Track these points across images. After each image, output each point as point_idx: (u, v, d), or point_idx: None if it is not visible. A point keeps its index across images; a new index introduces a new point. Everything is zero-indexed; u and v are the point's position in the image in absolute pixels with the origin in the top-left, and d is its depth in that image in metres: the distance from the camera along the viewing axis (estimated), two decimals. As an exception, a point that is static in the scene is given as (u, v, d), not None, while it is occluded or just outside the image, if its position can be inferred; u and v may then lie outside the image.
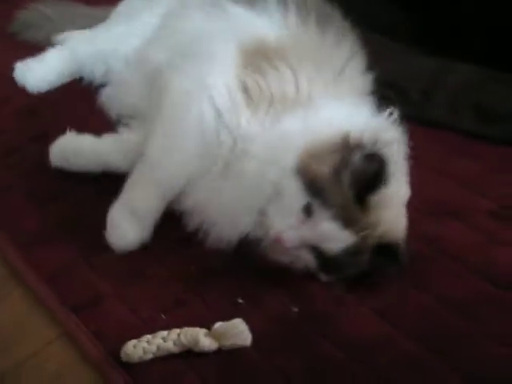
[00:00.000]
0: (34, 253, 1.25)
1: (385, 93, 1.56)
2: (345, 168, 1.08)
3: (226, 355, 1.06)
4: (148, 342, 1.06)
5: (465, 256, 1.22)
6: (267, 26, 1.30)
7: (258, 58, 1.23)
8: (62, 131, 1.41)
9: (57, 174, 1.40)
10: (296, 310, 1.12)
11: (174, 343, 1.05)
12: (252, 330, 1.07)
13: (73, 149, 1.37)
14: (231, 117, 1.18)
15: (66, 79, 1.67)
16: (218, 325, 1.07)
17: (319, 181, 1.09)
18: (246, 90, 1.20)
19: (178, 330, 1.07)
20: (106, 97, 1.53)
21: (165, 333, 1.06)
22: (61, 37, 1.72)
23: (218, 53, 1.25)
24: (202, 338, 1.05)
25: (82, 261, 1.23)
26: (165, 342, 1.05)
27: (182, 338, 1.05)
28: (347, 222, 1.08)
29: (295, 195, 1.10)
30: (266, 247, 1.15)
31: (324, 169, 1.09)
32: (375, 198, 1.08)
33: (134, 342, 1.06)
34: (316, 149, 1.11)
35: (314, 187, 1.09)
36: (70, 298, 1.16)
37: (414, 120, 1.50)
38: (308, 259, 1.13)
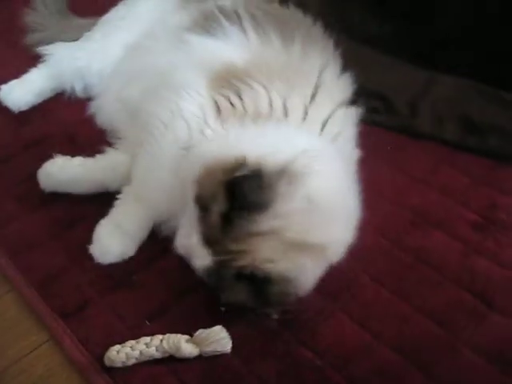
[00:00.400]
0: (25, 258, 1.28)
1: (372, 104, 1.60)
2: (224, 188, 1.05)
3: (207, 361, 1.08)
4: (131, 347, 1.08)
5: (445, 266, 1.24)
6: (231, 50, 1.31)
7: (228, 79, 1.24)
8: (54, 139, 1.44)
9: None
10: (276, 317, 1.13)
11: (157, 349, 1.08)
12: (233, 336, 1.09)
13: (61, 173, 1.38)
14: (200, 134, 1.22)
15: (47, 96, 1.70)
16: (199, 331, 1.10)
17: (202, 196, 1.08)
18: (218, 109, 1.22)
19: (160, 336, 1.09)
20: (95, 110, 1.56)
21: (148, 339, 1.09)
22: (46, 50, 1.73)
23: (187, 81, 1.27)
24: (184, 345, 1.08)
25: (70, 267, 1.26)
26: (148, 347, 1.08)
27: (165, 344, 1.08)
28: (209, 242, 1.07)
29: (190, 205, 1.11)
30: None
31: (208, 185, 1.08)
32: (249, 226, 1.04)
33: (117, 347, 1.09)
34: (213, 165, 1.10)
35: (199, 201, 1.09)
36: (58, 304, 1.19)
37: (401, 131, 1.54)
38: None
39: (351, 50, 1.67)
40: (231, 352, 1.09)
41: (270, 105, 1.21)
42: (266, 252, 1.04)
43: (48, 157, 1.38)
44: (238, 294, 1.08)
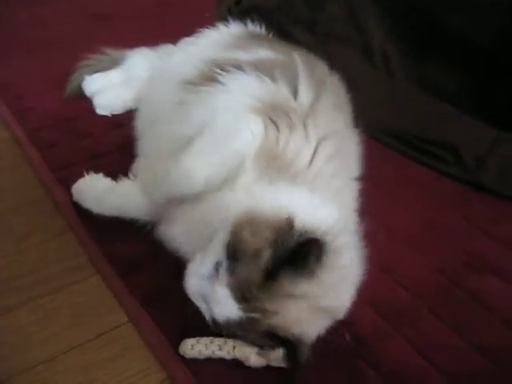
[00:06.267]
0: (110, 246, 1.39)
1: (443, 154, 1.71)
2: (271, 247, 1.06)
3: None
4: (206, 345, 1.15)
5: (498, 308, 1.32)
6: (280, 91, 1.33)
7: (276, 111, 1.27)
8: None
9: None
10: (349, 338, 1.21)
11: (228, 353, 1.15)
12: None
13: (88, 191, 1.45)
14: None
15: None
16: None
17: (241, 247, 1.07)
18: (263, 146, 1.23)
19: (232, 343, 1.15)
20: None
21: (222, 341, 1.15)
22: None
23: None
24: (254, 357, 1.14)
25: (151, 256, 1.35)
26: (220, 350, 1.15)
27: (236, 352, 1.14)
28: (242, 297, 1.05)
29: (218, 247, 1.10)
30: None
31: (252, 239, 1.07)
32: (290, 288, 1.05)
33: (192, 341, 1.16)
34: (258, 219, 1.10)
35: (234, 250, 1.07)
36: (139, 291, 1.28)
37: (467, 183, 1.66)
38: (202, 309, 1.14)
39: (428, 104, 1.81)
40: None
41: (310, 162, 1.24)
42: (295, 314, 1.08)
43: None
44: (257, 341, 1.12)
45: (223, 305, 1.07)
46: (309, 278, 1.06)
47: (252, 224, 1.09)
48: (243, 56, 1.49)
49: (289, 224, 1.08)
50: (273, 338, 1.09)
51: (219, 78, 1.39)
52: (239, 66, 1.41)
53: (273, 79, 1.35)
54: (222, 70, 1.41)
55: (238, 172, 1.20)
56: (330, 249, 1.07)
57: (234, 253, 1.07)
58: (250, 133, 1.24)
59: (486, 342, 1.24)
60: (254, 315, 1.06)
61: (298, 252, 1.04)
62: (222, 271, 1.07)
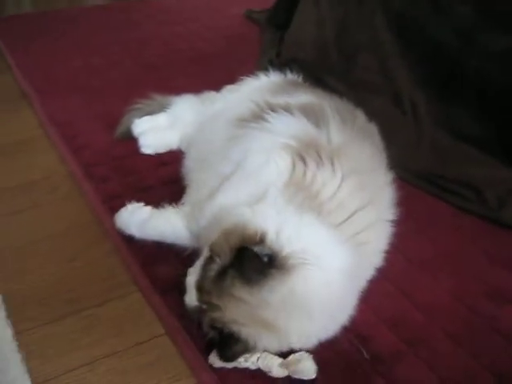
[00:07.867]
0: (151, 267, 1.52)
1: (466, 193, 1.80)
2: (234, 252, 1.19)
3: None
4: None
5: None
6: (319, 134, 1.45)
7: (307, 149, 1.39)
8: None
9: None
10: (367, 356, 1.30)
11: (252, 363, 1.25)
12: (321, 358, 1.25)
13: (130, 218, 1.58)
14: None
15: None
16: (291, 356, 1.24)
17: (214, 247, 1.22)
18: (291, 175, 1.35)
19: (258, 354, 1.24)
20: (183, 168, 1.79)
21: (247, 354, 1.25)
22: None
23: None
24: (276, 368, 1.23)
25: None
26: (245, 361, 1.25)
27: (260, 362, 1.24)
28: (200, 287, 1.22)
29: (206, 247, 1.27)
30: None
31: (223, 242, 1.22)
32: (233, 289, 1.18)
33: None
34: (239, 227, 1.23)
35: (212, 249, 1.23)
36: (176, 307, 1.39)
37: (489, 221, 1.74)
38: None
39: (452, 146, 1.91)
40: (320, 371, 1.23)
41: (334, 194, 1.33)
42: (235, 315, 1.19)
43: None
44: (212, 337, 1.25)
45: (189, 292, 1.25)
46: (250, 285, 1.17)
47: (231, 231, 1.23)
48: (289, 99, 1.63)
49: (259, 238, 1.21)
50: (215, 329, 1.23)
51: (267, 116, 1.54)
52: (287, 108, 1.55)
53: (315, 123, 1.48)
54: (272, 110, 1.56)
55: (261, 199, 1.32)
56: (285, 269, 1.17)
57: (212, 251, 1.23)
58: (277, 167, 1.37)
59: (501, 367, 1.30)
60: (203, 305, 1.22)
61: (243, 259, 1.16)
62: (198, 264, 1.25)
